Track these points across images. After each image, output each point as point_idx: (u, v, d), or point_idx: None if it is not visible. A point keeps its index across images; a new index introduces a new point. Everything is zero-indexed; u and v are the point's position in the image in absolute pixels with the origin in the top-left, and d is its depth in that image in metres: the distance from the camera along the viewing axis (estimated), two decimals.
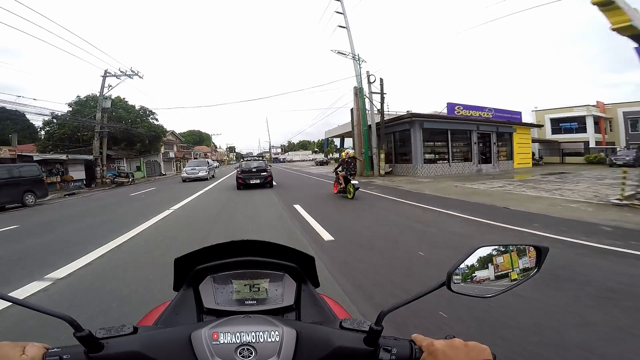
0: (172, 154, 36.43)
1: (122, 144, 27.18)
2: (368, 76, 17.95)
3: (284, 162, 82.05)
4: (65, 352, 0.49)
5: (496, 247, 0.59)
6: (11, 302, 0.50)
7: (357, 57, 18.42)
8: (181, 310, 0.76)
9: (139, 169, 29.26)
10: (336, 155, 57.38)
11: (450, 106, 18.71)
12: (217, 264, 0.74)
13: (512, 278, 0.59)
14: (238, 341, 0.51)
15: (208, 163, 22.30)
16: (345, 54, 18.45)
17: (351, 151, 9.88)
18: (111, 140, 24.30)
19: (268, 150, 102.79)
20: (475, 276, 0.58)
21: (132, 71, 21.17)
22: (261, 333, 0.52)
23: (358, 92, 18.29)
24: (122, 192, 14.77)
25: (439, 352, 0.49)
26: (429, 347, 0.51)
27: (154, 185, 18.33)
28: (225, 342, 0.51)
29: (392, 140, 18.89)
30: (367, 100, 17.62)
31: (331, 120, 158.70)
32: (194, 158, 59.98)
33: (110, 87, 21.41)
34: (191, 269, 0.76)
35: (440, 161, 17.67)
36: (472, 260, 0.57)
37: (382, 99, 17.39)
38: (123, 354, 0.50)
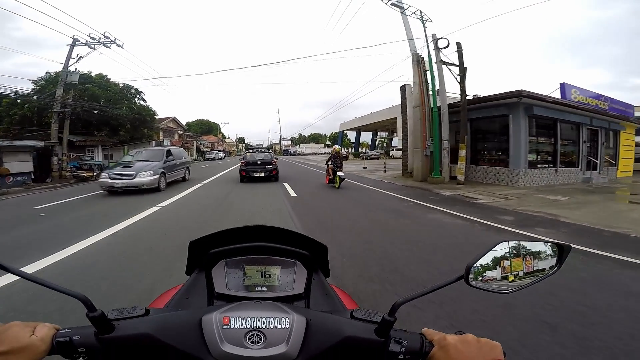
0: (167, 143, 31.19)
1: (105, 129, 21.94)
2: (436, 40, 12.07)
3: (295, 154, 77.33)
4: (76, 332, 0.48)
5: (517, 242, 0.58)
6: (26, 279, 0.48)
7: (417, 13, 12.57)
8: (192, 294, 0.77)
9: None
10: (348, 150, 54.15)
11: (567, 88, 12.62)
12: (230, 249, 0.73)
13: (532, 274, 0.58)
14: (248, 326, 0.50)
15: (167, 155, 11.03)
16: (401, 6, 12.58)
17: (337, 147, 11.01)
18: (83, 124, 19.20)
19: (278, 142, 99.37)
20: (494, 271, 0.56)
21: (105, 37, 15.65)
22: (271, 319, 0.51)
23: (420, 62, 12.48)
24: (57, 195, 9.48)
25: (451, 347, 0.48)
26: (441, 341, 0.50)
27: None
28: (236, 327, 0.50)
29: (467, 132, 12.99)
30: (429, 79, 11.76)
31: (341, 115, 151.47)
32: (207, 149, 56.88)
33: (80, 58, 16.00)
34: (204, 253, 0.74)
35: (543, 165, 11.80)
36: (492, 255, 0.56)
37: (463, 71, 11.50)
38: (133, 336, 0.49)
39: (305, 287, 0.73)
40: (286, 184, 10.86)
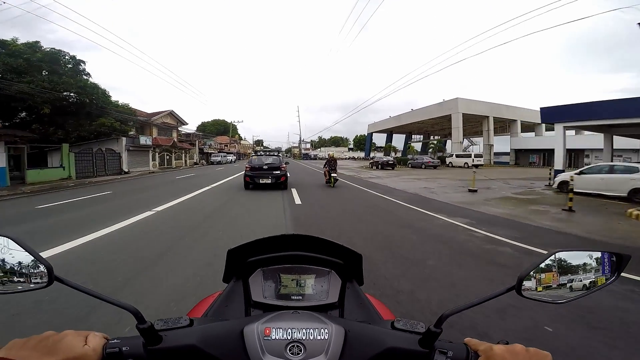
0: (147, 141, 23.14)
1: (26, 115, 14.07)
2: None
3: (315, 159, 70.17)
4: (125, 343, 0.49)
5: (573, 252, 0.57)
6: (79, 291, 0.50)
7: None
8: (230, 302, 0.76)
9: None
10: (379, 154, 51.36)
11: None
12: (267, 257, 0.74)
13: (588, 284, 0.56)
14: (289, 338, 0.51)
15: None
16: None
17: (331, 152, 13.58)
18: None
19: (297, 144, 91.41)
20: (548, 282, 0.55)
21: None
22: (311, 330, 0.52)
23: None
24: None
25: (498, 357, 0.46)
26: (487, 351, 0.49)
27: None
28: (277, 337, 0.50)
29: None
30: None
31: (361, 119, 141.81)
32: (213, 150, 49.97)
33: None
34: (242, 261, 0.76)
35: None
36: (545, 265, 0.55)
37: None
38: (179, 347, 0.50)
39: (339, 296, 0.73)
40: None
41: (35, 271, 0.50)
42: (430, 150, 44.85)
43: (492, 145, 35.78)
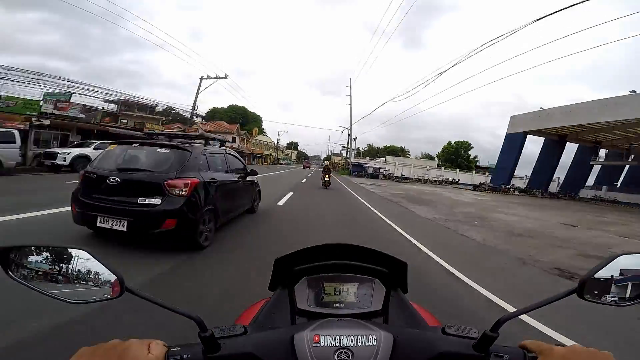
0: None
1: None
2: None
3: (377, 176, 39.09)
4: (186, 351, 0.51)
5: (636, 255, 0.55)
6: (148, 301, 0.51)
7: None
8: (277, 310, 0.78)
9: None
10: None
11: None
12: (312, 266, 0.75)
13: None
14: (337, 344, 0.52)
15: None
16: None
17: (326, 162, 16.81)
18: None
19: (344, 149, 58.99)
20: (612, 286, 0.55)
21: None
22: (359, 337, 0.53)
23: None
24: None
25: (559, 358, 0.46)
26: (546, 352, 0.49)
27: None
28: (326, 344, 0.52)
29: None
30: None
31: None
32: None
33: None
34: (287, 270, 0.78)
35: None
36: (610, 268, 0.54)
37: None
38: (237, 355, 0.52)
39: (383, 304, 0.74)
40: None
41: (108, 282, 0.53)
42: None
43: None
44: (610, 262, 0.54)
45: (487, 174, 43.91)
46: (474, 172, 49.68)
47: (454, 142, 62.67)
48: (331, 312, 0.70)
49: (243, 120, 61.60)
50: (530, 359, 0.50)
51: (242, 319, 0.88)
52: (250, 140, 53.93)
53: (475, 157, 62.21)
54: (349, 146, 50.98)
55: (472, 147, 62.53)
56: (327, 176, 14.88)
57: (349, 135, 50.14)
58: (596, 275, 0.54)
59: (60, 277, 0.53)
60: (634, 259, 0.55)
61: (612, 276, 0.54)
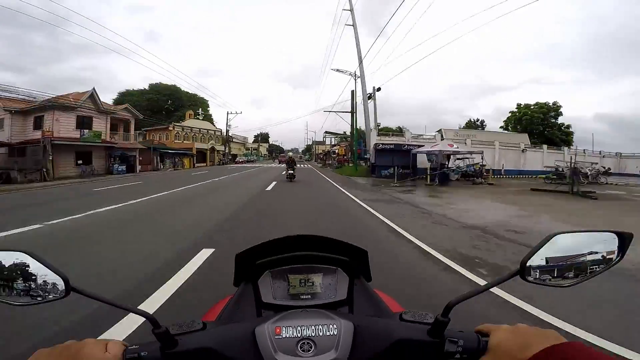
0: None
1: None
2: None
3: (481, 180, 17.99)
4: (143, 349, 0.51)
5: (574, 233, 0.56)
6: (96, 299, 0.51)
7: None
8: (242, 305, 0.78)
9: None
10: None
11: None
12: (274, 259, 0.75)
13: (591, 266, 0.55)
14: (299, 335, 0.52)
15: None
16: None
17: (290, 154, 15.84)
18: None
19: (350, 108, 26.72)
20: (551, 265, 0.55)
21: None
22: (320, 327, 0.53)
23: None
24: None
25: (503, 337, 0.48)
26: (494, 332, 0.50)
27: None
28: (287, 336, 0.52)
29: None
30: None
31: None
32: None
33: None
34: (250, 264, 0.76)
35: None
36: (547, 248, 0.54)
37: None
38: (195, 350, 0.51)
39: (347, 293, 0.73)
40: None
41: (52, 283, 0.52)
42: None
43: None
44: (547, 242, 0.53)
45: (584, 152, 30.21)
46: (569, 148, 30.39)
47: (534, 105, 38.96)
48: (298, 303, 0.69)
49: (177, 103, 48.99)
50: (483, 343, 0.50)
51: (207, 316, 0.88)
52: (171, 129, 37.04)
53: (569, 125, 40.06)
54: (365, 100, 24.03)
55: (562, 108, 39.48)
56: (290, 169, 15.96)
57: (362, 83, 24.34)
58: (535, 256, 0.54)
59: (1, 282, 0.51)
60: (570, 237, 0.55)
61: (551, 257, 0.54)
